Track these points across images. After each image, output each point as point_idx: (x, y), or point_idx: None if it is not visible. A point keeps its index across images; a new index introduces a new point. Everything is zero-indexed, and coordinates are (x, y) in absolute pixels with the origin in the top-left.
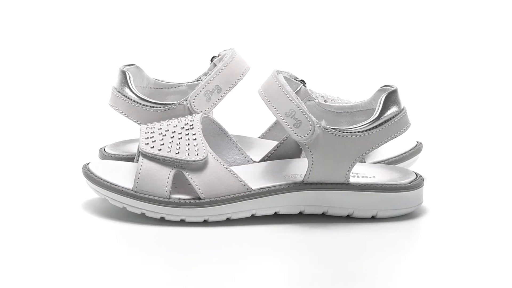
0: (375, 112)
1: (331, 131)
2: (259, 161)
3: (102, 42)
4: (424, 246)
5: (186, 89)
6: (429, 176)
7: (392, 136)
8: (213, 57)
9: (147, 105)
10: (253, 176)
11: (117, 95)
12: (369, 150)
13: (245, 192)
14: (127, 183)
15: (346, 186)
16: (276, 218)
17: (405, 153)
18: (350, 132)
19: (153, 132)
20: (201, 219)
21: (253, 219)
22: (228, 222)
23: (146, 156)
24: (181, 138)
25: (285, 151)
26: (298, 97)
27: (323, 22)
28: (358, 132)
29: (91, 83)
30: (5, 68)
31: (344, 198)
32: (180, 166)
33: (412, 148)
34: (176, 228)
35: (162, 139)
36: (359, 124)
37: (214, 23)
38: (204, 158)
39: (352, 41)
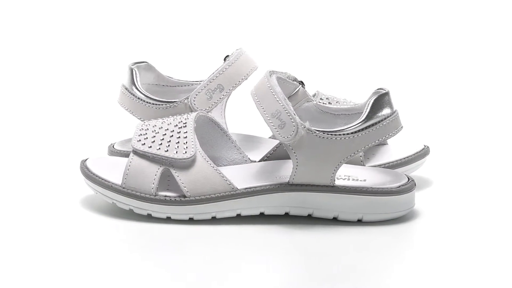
0: (361, 115)
1: (315, 132)
2: (259, 161)
3: (121, 40)
4: (410, 250)
5: None
6: (434, 181)
7: (380, 139)
8: (226, 56)
9: (150, 102)
10: (245, 176)
11: (124, 92)
12: (355, 153)
13: (230, 192)
14: (118, 179)
15: (332, 188)
16: (263, 218)
17: (408, 156)
18: (335, 134)
19: (147, 129)
20: (186, 217)
21: (239, 219)
22: (214, 221)
23: (137, 153)
24: (172, 136)
25: (284, 152)
26: (286, 99)
27: (333, 23)
28: (343, 134)
29: (104, 80)
30: (17, 65)
31: (329, 201)
32: (168, 164)
33: (418, 152)
34: (162, 225)
35: (154, 136)
36: (344, 126)
37: (232, 23)
38: (191, 157)
39: (362, 43)
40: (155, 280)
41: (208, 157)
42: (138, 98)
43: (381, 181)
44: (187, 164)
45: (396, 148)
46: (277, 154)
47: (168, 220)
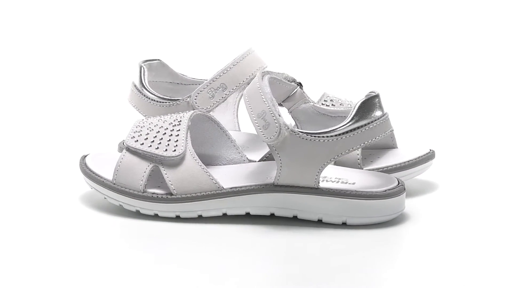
0: (346, 118)
1: (298, 134)
2: (258, 161)
3: (135, 39)
4: (397, 254)
5: None
6: (437, 185)
7: (366, 142)
8: None
9: (154, 100)
10: (237, 175)
11: (132, 89)
12: (338, 156)
13: (216, 191)
14: (111, 175)
15: (316, 190)
16: (249, 218)
17: (409, 160)
18: (318, 136)
19: (143, 126)
20: (173, 215)
21: (225, 218)
22: (200, 219)
23: (129, 149)
24: (165, 133)
25: None
26: (274, 100)
27: (347, 26)
28: (326, 136)
29: (117, 78)
30: (34, 63)
31: (314, 203)
32: (158, 161)
33: (420, 156)
34: (149, 222)
35: (148, 133)
36: (329, 128)
37: (251, 22)
38: (180, 155)
39: (375, 46)
40: (131, 278)
41: (208, 156)
42: (144, 95)
43: (371, 185)
44: (175, 162)
45: (400, 151)
46: None
47: (156, 217)
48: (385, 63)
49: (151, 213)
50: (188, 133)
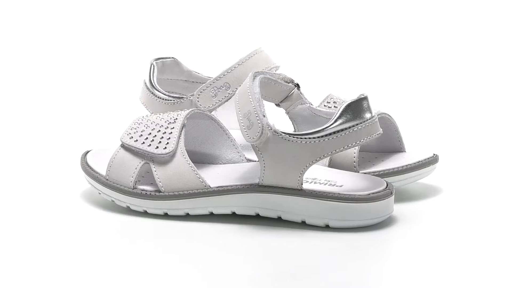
0: (330, 120)
1: (281, 134)
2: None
3: (150, 37)
4: (384, 257)
5: None
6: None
7: (350, 145)
8: None
9: (161, 97)
10: (228, 175)
11: (143, 87)
12: (320, 157)
13: (202, 189)
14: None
15: (299, 192)
16: (236, 218)
17: (408, 165)
18: (300, 138)
19: (140, 123)
20: (161, 212)
21: (212, 217)
22: (188, 217)
23: (123, 146)
24: (159, 131)
25: None
26: (261, 100)
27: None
28: (308, 138)
29: (131, 76)
30: (46, 60)
31: (297, 204)
32: (149, 158)
33: (421, 161)
34: (138, 219)
35: (143, 130)
36: (312, 130)
37: (269, 22)
38: (169, 153)
39: (387, 50)
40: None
41: (208, 155)
42: (151, 93)
43: (358, 188)
44: (165, 160)
45: (406, 155)
46: None
47: (145, 214)
48: (396, 67)
49: (141, 209)
50: (183, 131)
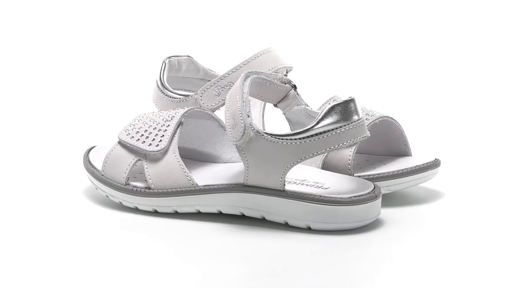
0: (312, 122)
1: (263, 135)
2: None
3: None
4: (365, 260)
5: None
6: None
7: (331, 147)
8: None
9: (168, 95)
10: (221, 174)
11: (154, 84)
12: (303, 159)
13: (189, 188)
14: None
15: (281, 193)
16: (223, 217)
17: (404, 169)
18: (281, 138)
19: (139, 120)
20: (150, 209)
21: (200, 216)
22: (176, 215)
23: (120, 142)
24: (155, 128)
25: None
26: (248, 100)
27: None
28: (290, 139)
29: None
30: (58, 57)
31: (279, 205)
32: (142, 155)
33: (419, 165)
34: (129, 215)
35: (141, 127)
36: (294, 131)
37: (289, 21)
38: (161, 150)
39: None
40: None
41: (209, 154)
42: (160, 90)
43: (344, 190)
44: (157, 157)
45: (409, 159)
46: None
47: (136, 210)
48: (406, 70)
49: (132, 205)
50: (179, 129)
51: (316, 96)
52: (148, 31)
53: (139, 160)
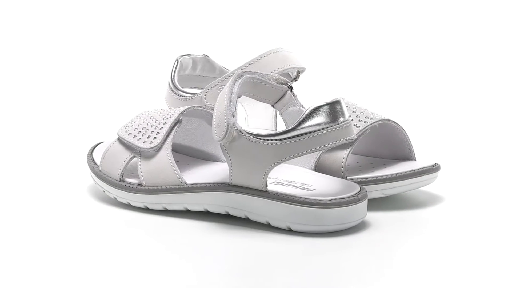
0: (294, 123)
1: (245, 135)
2: None
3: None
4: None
5: None
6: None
7: (312, 149)
8: None
9: (176, 93)
10: (210, 173)
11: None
12: (283, 160)
13: (178, 185)
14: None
15: (263, 193)
16: (212, 216)
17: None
18: (262, 139)
19: (140, 117)
20: (141, 205)
21: (189, 214)
22: (167, 212)
23: (119, 139)
24: (152, 126)
25: None
26: (234, 100)
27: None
28: (271, 140)
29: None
30: (69, 54)
31: (261, 205)
32: (138, 152)
33: (414, 170)
34: (122, 211)
35: (140, 124)
36: (276, 131)
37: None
38: (154, 148)
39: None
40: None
41: (211, 153)
42: (170, 88)
43: (329, 192)
44: (150, 154)
45: (410, 163)
46: None
47: (129, 206)
48: (414, 76)
49: (125, 201)
50: (175, 128)
51: (319, 97)
52: (165, 30)
53: (135, 157)
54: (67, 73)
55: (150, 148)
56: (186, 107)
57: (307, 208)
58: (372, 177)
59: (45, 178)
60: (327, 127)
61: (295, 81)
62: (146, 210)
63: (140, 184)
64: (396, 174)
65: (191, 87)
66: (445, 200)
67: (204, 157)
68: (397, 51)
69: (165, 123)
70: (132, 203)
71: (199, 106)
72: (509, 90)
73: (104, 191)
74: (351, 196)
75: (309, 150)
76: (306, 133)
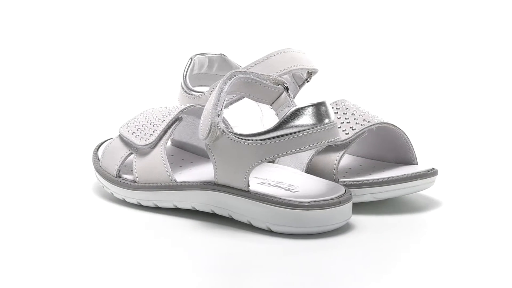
0: (275, 124)
1: (227, 134)
2: None
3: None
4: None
5: None
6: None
7: (293, 150)
8: None
9: (186, 91)
10: (201, 171)
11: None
12: (263, 160)
13: (168, 183)
14: None
15: (245, 193)
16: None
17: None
18: (243, 139)
19: (142, 115)
20: (135, 201)
21: (179, 211)
22: (158, 210)
23: (119, 135)
24: (151, 123)
25: None
26: (222, 99)
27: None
28: (251, 140)
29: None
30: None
31: (243, 205)
32: (134, 149)
33: (407, 174)
34: (117, 206)
35: (140, 121)
36: (257, 132)
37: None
38: (148, 145)
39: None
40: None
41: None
42: (181, 87)
43: (312, 194)
44: (145, 151)
45: (410, 167)
46: None
47: (124, 202)
48: (418, 80)
49: (121, 197)
50: (173, 126)
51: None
52: (182, 30)
53: (132, 153)
54: (87, 72)
55: (145, 145)
56: (187, 105)
57: (286, 209)
58: (362, 180)
59: (52, 173)
60: (309, 129)
61: (307, 82)
62: (139, 206)
63: (134, 181)
64: (388, 178)
65: (207, 86)
66: (442, 204)
67: (207, 155)
68: (405, 55)
69: (164, 120)
70: (127, 199)
71: (200, 105)
72: (510, 94)
73: (103, 187)
74: (332, 199)
75: (289, 151)
76: (287, 134)
